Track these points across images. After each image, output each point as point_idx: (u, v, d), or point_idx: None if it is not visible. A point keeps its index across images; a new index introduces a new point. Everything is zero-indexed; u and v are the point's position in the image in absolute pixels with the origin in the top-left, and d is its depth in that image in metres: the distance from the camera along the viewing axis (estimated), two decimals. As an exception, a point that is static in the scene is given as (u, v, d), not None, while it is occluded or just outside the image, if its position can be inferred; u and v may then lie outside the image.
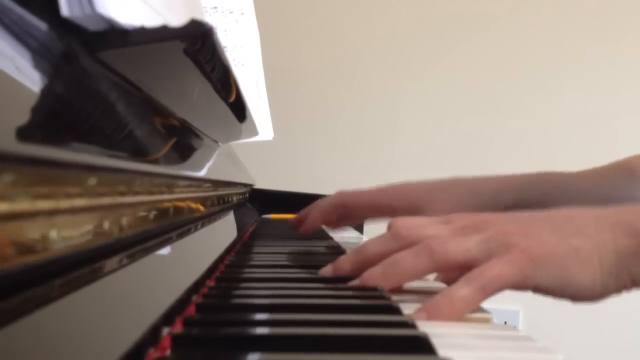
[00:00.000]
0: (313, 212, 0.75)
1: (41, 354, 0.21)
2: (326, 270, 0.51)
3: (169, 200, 0.45)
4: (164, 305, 0.32)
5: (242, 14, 1.04)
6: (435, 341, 0.31)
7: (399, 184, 0.73)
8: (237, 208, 0.92)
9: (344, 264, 0.50)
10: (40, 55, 0.29)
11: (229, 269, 0.54)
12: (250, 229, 0.93)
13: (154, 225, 0.40)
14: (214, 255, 0.52)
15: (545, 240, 0.43)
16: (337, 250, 0.69)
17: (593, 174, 0.68)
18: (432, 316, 0.40)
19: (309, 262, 0.58)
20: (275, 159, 1.84)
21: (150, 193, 0.40)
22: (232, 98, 0.64)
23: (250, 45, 1.07)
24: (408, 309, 0.40)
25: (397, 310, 0.39)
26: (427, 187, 0.72)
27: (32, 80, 0.26)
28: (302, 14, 1.89)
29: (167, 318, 0.31)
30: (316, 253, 0.68)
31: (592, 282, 0.42)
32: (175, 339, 0.30)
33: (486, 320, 0.41)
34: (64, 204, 0.25)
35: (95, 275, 0.29)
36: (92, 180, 0.28)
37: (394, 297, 0.43)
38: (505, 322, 0.39)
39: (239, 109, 0.71)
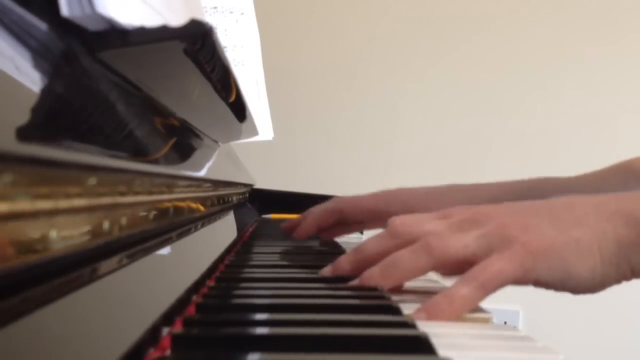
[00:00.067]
0: (308, 218, 0.73)
1: (41, 354, 0.21)
2: (326, 271, 0.51)
3: (169, 200, 0.45)
4: (164, 305, 0.32)
5: (242, 14, 1.04)
6: (435, 341, 0.31)
7: (395, 190, 0.73)
8: (237, 208, 0.92)
9: (343, 263, 0.50)
10: (40, 55, 0.29)
11: (229, 269, 0.54)
12: (250, 229, 0.93)
13: (154, 225, 0.40)
14: (214, 255, 0.52)
15: (544, 232, 0.43)
16: (337, 250, 0.69)
17: (593, 178, 0.68)
18: (432, 316, 0.40)
19: (309, 262, 0.58)
20: (275, 159, 1.84)
21: (150, 193, 0.40)
22: (232, 98, 0.64)
23: (250, 45, 1.07)
24: (408, 309, 0.40)
25: (397, 310, 0.39)
26: (424, 192, 0.71)
27: (32, 80, 0.26)
28: (302, 14, 1.89)
29: (167, 318, 0.31)
30: (316, 253, 0.68)
31: (592, 273, 0.42)
32: (175, 339, 0.30)
33: (486, 320, 0.41)
34: (64, 204, 0.25)
35: (95, 275, 0.29)
36: (92, 180, 0.28)
37: (394, 297, 0.43)
38: (505, 322, 0.39)
39: (239, 109, 0.71)
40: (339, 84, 1.88)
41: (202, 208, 0.59)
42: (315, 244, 0.75)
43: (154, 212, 0.40)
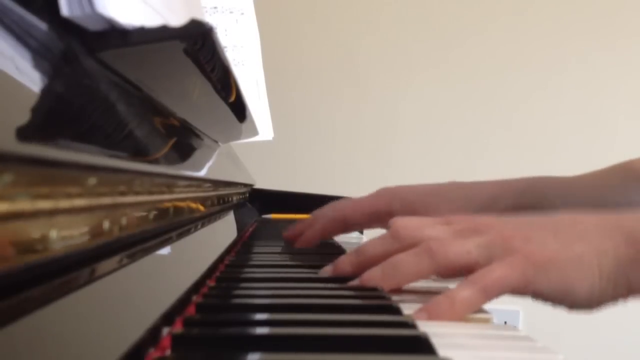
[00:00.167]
0: (311, 229, 0.71)
1: (41, 354, 0.21)
2: (326, 270, 0.51)
3: (169, 200, 0.45)
4: (164, 305, 0.32)
5: (242, 14, 1.04)
6: (435, 341, 0.31)
7: (395, 187, 0.73)
8: (237, 208, 0.92)
9: (344, 264, 0.50)
10: (40, 55, 0.29)
11: (229, 269, 0.54)
12: (250, 229, 0.93)
13: (154, 225, 0.40)
14: (214, 255, 0.52)
15: (547, 245, 0.43)
16: (337, 250, 0.69)
17: (592, 178, 0.68)
18: (433, 316, 0.40)
19: (309, 262, 0.58)
20: (275, 159, 1.84)
21: (150, 193, 0.40)
22: (232, 98, 0.64)
23: (250, 45, 1.07)
24: (408, 309, 0.40)
25: (397, 310, 0.39)
26: (424, 190, 0.71)
27: (32, 80, 0.26)
28: (302, 14, 1.89)
29: (167, 318, 0.31)
30: (316, 253, 0.68)
31: (590, 289, 0.42)
32: (175, 339, 0.30)
33: (486, 321, 0.41)
34: (64, 204, 0.25)
35: (95, 275, 0.29)
36: (92, 180, 0.28)
37: (394, 297, 0.43)
38: (505, 322, 0.39)
39: (239, 109, 0.71)
40: (339, 84, 1.88)
41: (202, 208, 0.59)
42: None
43: (154, 212, 0.40)
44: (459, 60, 1.86)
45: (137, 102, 0.44)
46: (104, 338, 0.25)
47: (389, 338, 0.32)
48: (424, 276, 0.46)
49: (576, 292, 0.42)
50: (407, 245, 0.46)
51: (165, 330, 0.31)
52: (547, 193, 0.67)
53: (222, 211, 0.75)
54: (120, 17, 0.33)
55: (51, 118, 0.26)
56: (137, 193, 0.36)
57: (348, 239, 0.83)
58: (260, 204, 1.19)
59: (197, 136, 0.68)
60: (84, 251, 0.27)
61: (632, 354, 1.78)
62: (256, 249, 0.69)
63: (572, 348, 1.74)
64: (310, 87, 1.88)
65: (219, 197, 0.72)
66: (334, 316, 0.37)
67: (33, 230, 0.22)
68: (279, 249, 0.69)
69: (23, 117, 0.23)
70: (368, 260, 0.48)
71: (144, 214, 0.38)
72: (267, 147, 1.52)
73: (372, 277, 0.45)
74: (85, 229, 0.27)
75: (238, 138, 1.01)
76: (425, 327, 0.34)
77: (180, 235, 0.48)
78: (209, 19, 1.00)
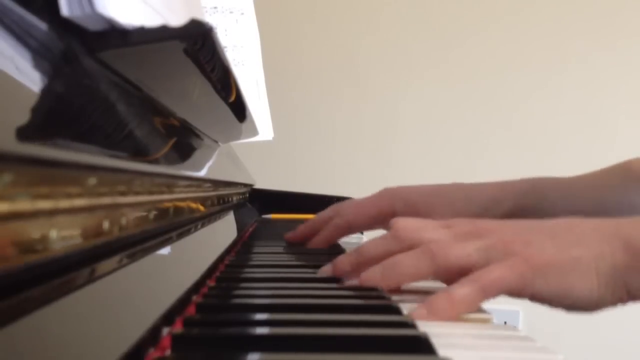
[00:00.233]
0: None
1: (41, 354, 0.21)
2: (325, 270, 0.51)
3: (169, 200, 0.45)
4: (164, 305, 0.32)
5: (242, 14, 1.04)
6: (435, 341, 0.31)
7: (397, 188, 0.73)
8: (237, 208, 0.92)
9: (343, 264, 0.50)
10: (40, 55, 0.29)
11: (229, 269, 0.54)
12: (250, 229, 0.93)
13: (154, 225, 0.40)
14: (214, 255, 0.52)
15: (545, 249, 0.43)
16: (337, 250, 0.69)
17: (592, 178, 0.68)
18: (432, 314, 0.40)
19: (309, 262, 0.58)
20: (275, 159, 1.84)
21: (150, 193, 0.40)
22: (232, 98, 0.64)
23: (250, 45, 1.07)
24: (408, 309, 0.40)
25: (397, 310, 0.39)
26: (426, 191, 0.71)
27: (32, 80, 0.26)
28: (302, 14, 1.89)
29: (167, 318, 0.31)
30: (316, 253, 0.68)
31: (589, 293, 0.43)
32: (175, 339, 0.30)
33: (486, 321, 0.41)
34: (64, 204, 0.25)
35: (95, 275, 0.29)
36: (92, 180, 0.28)
37: (394, 297, 0.43)
38: (505, 322, 0.39)
39: (239, 109, 0.71)
40: (339, 84, 1.88)
41: (202, 208, 0.59)
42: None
43: (154, 212, 0.40)
44: (459, 60, 1.86)
45: (137, 102, 0.44)
46: (104, 338, 0.25)
47: (389, 338, 0.32)
48: (423, 277, 0.46)
49: (574, 295, 0.43)
50: (407, 246, 0.46)
51: (165, 330, 0.31)
52: (547, 194, 0.67)
53: (222, 211, 0.75)
54: (120, 17, 0.33)
55: (51, 118, 0.26)
56: (137, 193, 0.36)
57: (348, 239, 0.83)
58: (260, 204, 1.19)
59: (197, 136, 0.68)
60: (84, 251, 0.27)
61: (632, 354, 1.78)
62: (256, 249, 0.69)
63: (572, 348, 1.74)
64: (310, 87, 1.88)
65: (219, 197, 0.72)
66: (334, 316, 0.37)
67: (33, 230, 0.22)
68: (279, 249, 0.69)
69: (23, 117, 0.23)
70: (368, 260, 0.48)
71: (144, 214, 0.38)
72: (267, 147, 1.52)
73: (371, 276, 0.45)
74: (85, 229, 0.27)
75: (238, 138, 1.01)
76: (425, 327, 0.34)
77: (180, 235, 0.48)
78: (209, 19, 1.00)
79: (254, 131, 0.98)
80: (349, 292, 0.45)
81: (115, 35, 0.34)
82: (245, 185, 1.04)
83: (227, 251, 0.60)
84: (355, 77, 1.88)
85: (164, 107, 0.53)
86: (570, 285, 0.42)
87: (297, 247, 0.71)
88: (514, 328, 0.39)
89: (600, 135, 1.82)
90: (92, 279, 0.28)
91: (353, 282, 0.47)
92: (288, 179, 1.80)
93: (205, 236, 0.58)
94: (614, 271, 0.43)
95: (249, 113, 0.77)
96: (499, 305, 0.44)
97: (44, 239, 0.23)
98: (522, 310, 1.79)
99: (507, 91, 1.85)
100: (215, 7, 1.02)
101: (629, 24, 1.82)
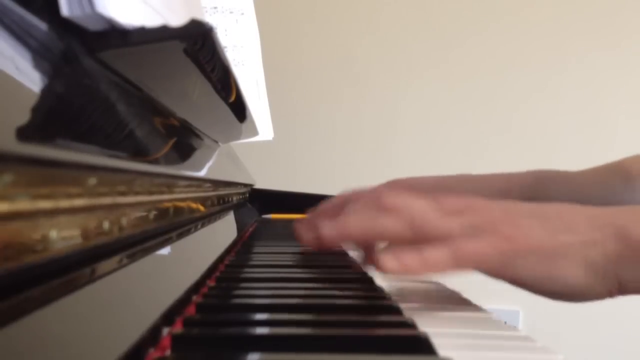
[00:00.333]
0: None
1: (41, 354, 0.21)
2: (306, 238, 0.48)
3: (169, 200, 0.45)
4: (164, 305, 0.32)
5: (242, 14, 1.04)
6: (436, 341, 0.31)
7: (405, 179, 0.72)
8: (237, 208, 0.92)
9: (325, 229, 0.46)
10: (40, 55, 0.29)
11: (229, 269, 0.54)
12: (250, 229, 0.93)
13: (154, 225, 0.40)
14: (214, 255, 0.52)
15: (533, 232, 0.42)
16: (336, 250, 0.69)
17: (592, 174, 0.68)
18: (400, 263, 0.39)
19: (308, 262, 0.58)
20: (275, 159, 1.84)
21: (150, 193, 0.40)
22: (232, 98, 0.64)
23: (250, 45, 1.07)
24: (408, 309, 0.40)
25: (397, 310, 0.39)
26: (432, 182, 0.71)
27: (32, 80, 0.26)
28: (302, 14, 1.89)
29: (167, 318, 0.31)
30: (316, 253, 0.68)
31: (575, 280, 0.41)
32: (175, 339, 0.30)
33: (486, 321, 0.41)
34: (64, 204, 0.25)
35: (95, 275, 0.29)
36: (92, 180, 0.28)
37: (394, 297, 0.43)
38: (505, 322, 0.39)
39: (239, 109, 0.71)
40: (339, 84, 1.88)
41: (202, 208, 0.59)
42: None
43: (154, 212, 0.40)
44: (459, 60, 1.86)
45: (137, 102, 0.44)
46: (104, 338, 0.25)
47: (389, 338, 0.32)
48: (395, 238, 0.43)
49: (559, 283, 0.41)
50: (387, 211, 0.44)
51: (165, 330, 0.31)
52: (553, 187, 0.67)
53: (222, 211, 0.75)
54: (120, 17, 0.33)
55: (51, 118, 0.26)
56: (137, 193, 0.36)
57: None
58: (260, 204, 1.19)
59: (197, 136, 0.68)
60: (84, 251, 0.27)
61: (632, 354, 1.78)
62: (256, 249, 0.69)
63: (572, 348, 1.74)
64: (310, 87, 1.88)
65: (219, 197, 0.72)
66: (334, 316, 0.37)
67: (33, 230, 0.22)
68: (279, 249, 0.69)
69: (23, 117, 0.23)
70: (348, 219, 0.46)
71: (144, 214, 0.38)
72: (267, 147, 1.52)
73: (346, 223, 0.44)
74: (85, 229, 0.27)
75: (238, 138, 1.01)
76: (426, 327, 0.34)
77: (180, 235, 0.48)
78: (209, 19, 1.00)
79: (254, 131, 0.98)
80: (348, 292, 0.45)
81: (115, 35, 0.34)
82: (245, 185, 1.04)
83: (227, 251, 0.60)
84: (355, 77, 1.88)
85: (164, 107, 0.53)
86: (556, 271, 0.41)
87: (297, 247, 0.71)
88: (514, 328, 0.39)
89: (600, 135, 1.82)
90: (92, 279, 0.28)
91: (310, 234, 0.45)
92: (288, 179, 1.80)
93: (205, 236, 0.58)
94: (605, 260, 0.41)
95: (249, 113, 0.77)
96: (499, 305, 0.44)
97: (44, 239, 0.23)
98: (522, 310, 1.79)
99: (507, 91, 1.85)
100: (215, 7, 1.02)
101: (629, 24, 1.82)
